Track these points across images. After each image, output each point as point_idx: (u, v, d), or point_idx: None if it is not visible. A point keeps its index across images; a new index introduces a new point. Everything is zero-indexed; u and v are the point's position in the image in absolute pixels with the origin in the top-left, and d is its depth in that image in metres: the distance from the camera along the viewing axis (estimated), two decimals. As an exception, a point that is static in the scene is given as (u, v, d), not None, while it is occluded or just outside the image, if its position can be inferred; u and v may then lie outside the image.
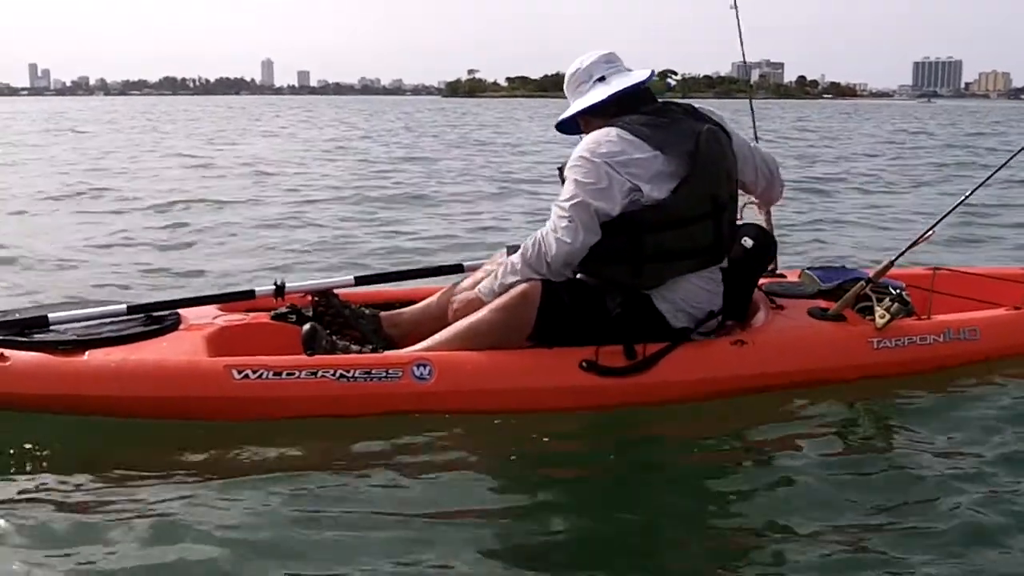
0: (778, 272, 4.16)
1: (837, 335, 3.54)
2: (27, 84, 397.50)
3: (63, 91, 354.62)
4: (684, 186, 3.27)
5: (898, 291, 3.60)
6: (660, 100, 3.47)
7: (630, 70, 3.50)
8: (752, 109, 4.45)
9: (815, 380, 3.46)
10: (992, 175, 3.77)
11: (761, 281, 3.86)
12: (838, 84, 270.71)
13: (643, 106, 3.40)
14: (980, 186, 3.74)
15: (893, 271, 4.03)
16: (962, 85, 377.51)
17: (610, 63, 3.50)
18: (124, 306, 3.53)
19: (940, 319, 3.67)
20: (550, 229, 3.29)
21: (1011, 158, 3.76)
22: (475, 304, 3.45)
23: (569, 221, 3.24)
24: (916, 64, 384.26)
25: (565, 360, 3.29)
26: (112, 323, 3.45)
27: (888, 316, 3.48)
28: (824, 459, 3.04)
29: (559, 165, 3.44)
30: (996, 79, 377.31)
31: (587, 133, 3.42)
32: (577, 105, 3.48)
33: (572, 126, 3.59)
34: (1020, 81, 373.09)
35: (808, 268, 4.03)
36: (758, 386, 3.40)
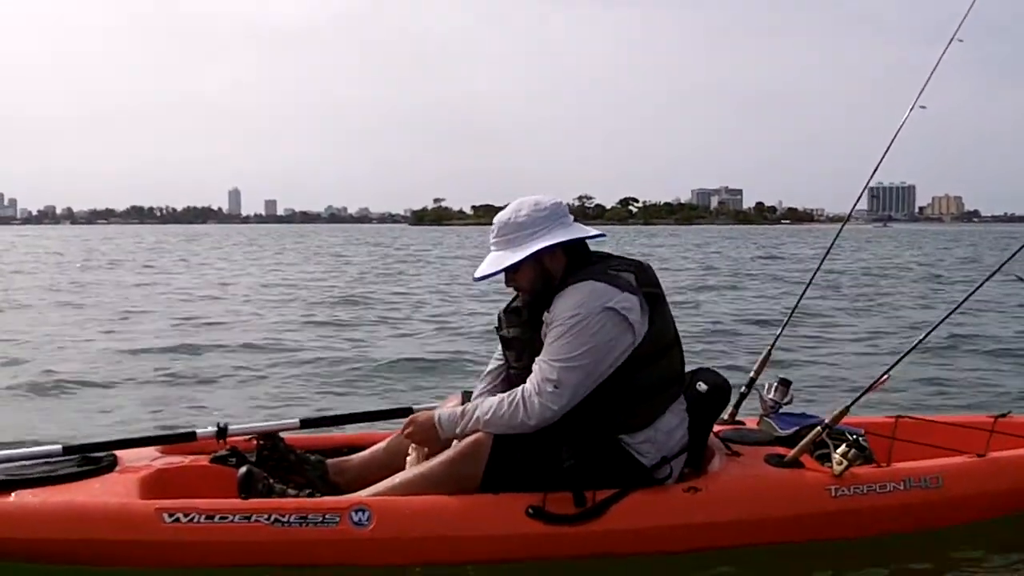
0: (736, 420, 4.09)
1: (793, 482, 3.43)
2: None
3: (29, 219, 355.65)
4: (656, 315, 3.28)
5: (855, 436, 3.51)
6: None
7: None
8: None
9: (771, 528, 3.34)
10: (948, 315, 3.73)
11: (718, 428, 3.78)
12: (796, 210, 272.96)
13: (588, 256, 3.41)
14: (935, 328, 3.69)
15: (855, 418, 3.97)
16: (916, 209, 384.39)
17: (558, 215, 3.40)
18: (59, 447, 3.44)
19: (900, 466, 3.57)
20: (533, 391, 3.17)
21: (969, 296, 3.73)
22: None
23: (556, 387, 3.15)
24: (872, 189, 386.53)
25: (512, 506, 3.18)
26: (45, 463, 3.34)
27: (845, 463, 3.39)
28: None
29: (501, 315, 3.44)
30: (948, 203, 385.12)
31: (517, 279, 3.37)
32: (549, 238, 3.30)
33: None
34: (971, 204, 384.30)
35: (766, 415, 3.95)
36: (712, 534, 3.28)
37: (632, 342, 3.23)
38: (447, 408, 3.45)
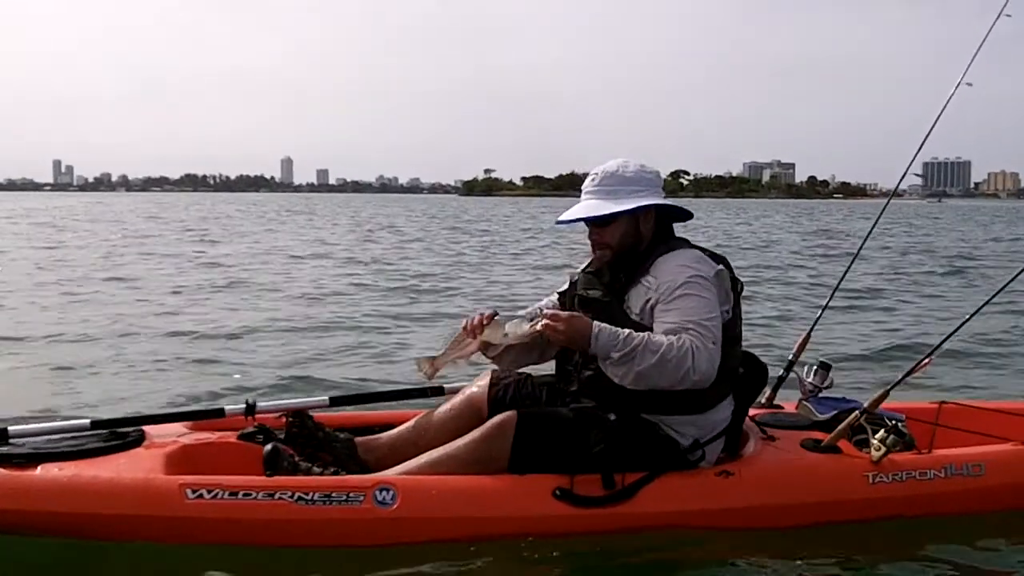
0: (774, 404, 3.99)
1: (830, 468, 3.34)
2: (51, 180, 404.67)
3: (85, 187, 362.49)
4: (736, 307, 3.27)
5: (894, 422, 3.41)
6: None
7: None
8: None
9: (806, 515, 3.25)
10: (992, 298, 3.60)
11: (755, 412, 3.70)
12: (848, 184, 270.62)
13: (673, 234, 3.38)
14: (979, 310, 3.56)
15: (897, 404, 3.86)
16: (971, 185, 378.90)
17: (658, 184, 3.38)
18: (88, 421, 3.44)
19: (942, 453, 3.46)
20: (702, 346, 3.01)
21: (1011, 280, 3.60)
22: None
23: (714, 343, 3.05)
24: (926, 164, 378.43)
25: (539, 488, 3.12)
26: (73, 438, 3.34)
27: (884, 448, 3.29)
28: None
29: (577, 275, 3.40)
30: (1005, 179, 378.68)
31: (605, 234, 3.28)
32: (654, 198, 3.28)
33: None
34: None
35: (805, 399, 3.85)
36: (744, 520, 3.20)
37: (726, 317, 3.20)
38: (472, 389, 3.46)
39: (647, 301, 3.18)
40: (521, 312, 3.31)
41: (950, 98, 4.00)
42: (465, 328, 3.27)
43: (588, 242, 3.33)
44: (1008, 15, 3.91)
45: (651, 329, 3.11)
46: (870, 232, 4.29)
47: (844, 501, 3.28)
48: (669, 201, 3.35)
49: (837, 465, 3.35)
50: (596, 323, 3.07)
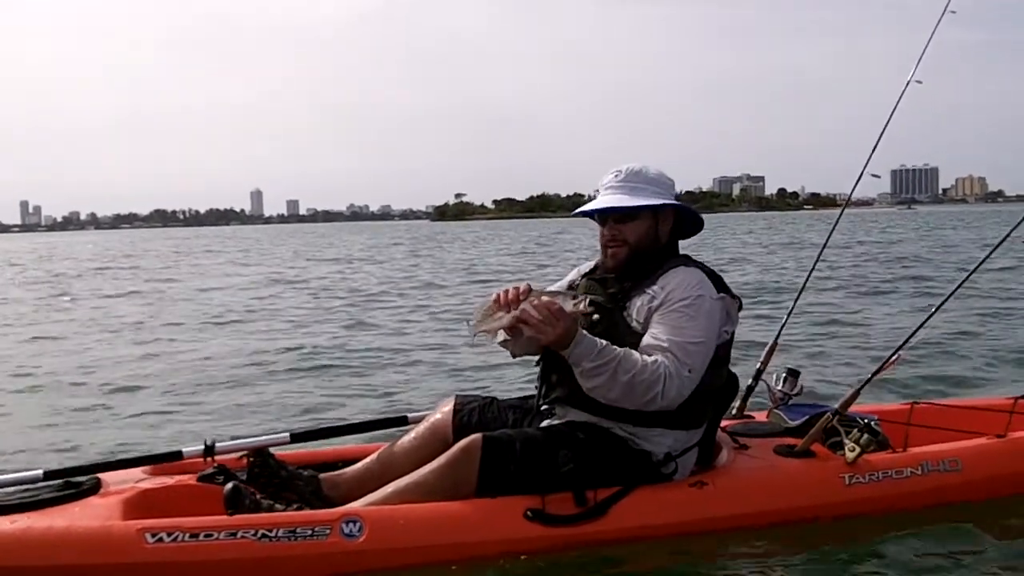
0: (745, 414, 3.94)
1: (805, 472, 3.29)
2: (18, 221, 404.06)
3: (54, 227, 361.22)
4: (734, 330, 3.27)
5: (867, 421, 3.36)
6: None
7: None
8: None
9: (784, 521, 3.19)
10: (953, 292, 3.58)
11: (726, 423, 3.65)
12: (818, 195, 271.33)
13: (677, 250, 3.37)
14: (940, 306, 3.54)
15: (870, 406, 3.84)
16: (940, 191, 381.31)
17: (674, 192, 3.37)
18: (40, 471, 3.32)
19: (917, 451, 3.43)
20: (675, 372, 2.99)
21: (972, 272, 3.59)
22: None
23: (690, 371, 3.02)
24: (894, 172, 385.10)
25: (509, 510, 3.04)
26: (25, 490, 3.22)
27: (858, 449, 3.24)
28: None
29: (580, 278, 3.34)
30: (972, 184, 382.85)
31: (626, 230, 3.23)
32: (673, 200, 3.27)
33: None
34: (996, 185, 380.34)
35: (775, 407, 3.80)
36: (721, 530, 3.13)
37: (725, 338, 3.19)
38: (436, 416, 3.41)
39: (649, 308, 3.13)
40: (553, 287, 3.22)
41: (901, 95, 4.02)
42: (497, 300, 3.07)
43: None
44: (952, 11, 3.93)
45: None
46: (828, 239, 4.28)
47: (821, 504, 3.23)
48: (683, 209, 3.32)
49: (812, 469, 3.30)
50: (580, 330, 3.00)
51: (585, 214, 3.33)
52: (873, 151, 4.08)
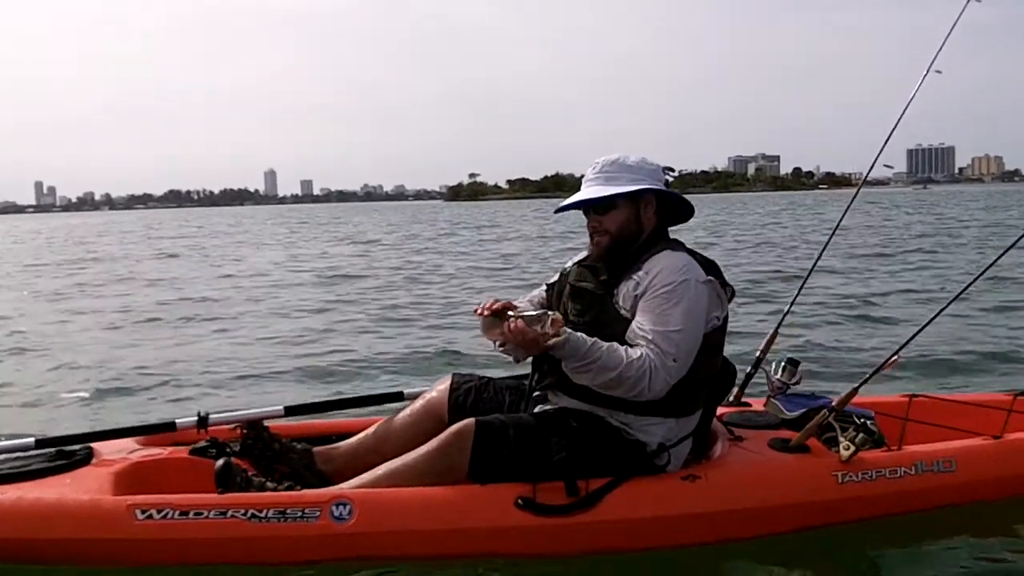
0: (742, 401, 3.92)
1: (798, 469, 3.27)
2: (33, 201, 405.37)
3: (69, 207, 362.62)
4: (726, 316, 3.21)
5: (863, 420, 3.34)
6: None
7: None
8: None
9: (776, 517, 3.18)
10: (965, 289, 3.53)
11: (722, 411, 3.62)
12: (833, 174, 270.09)
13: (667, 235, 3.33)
14: (952, 302, 3.49)
15: (867, 398, 3.80)
16: (956, 170, 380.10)
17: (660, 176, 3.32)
18: (32, 439, 3.32)
19: (912, 450, 3.39)
20: (659, 365, 2.96)
21: (986, 269, 3.53)
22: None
23: (675, 360, 2.99)
24: (910, 151, 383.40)
25: (500, 497, 3.03)
26: (16, 458, 3.23)
27: (853, 448, 3.22)
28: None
29: (571, 266, 3.31)
30: (989, 163, 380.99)
31: (606, 220, 3.20)
32: (655, 185, 3.23)
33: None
34: (1012, 164, 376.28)
35: (773, 396, 3.77)
36: (712, 524, 3.12)
37: (715, 324, 3.14)
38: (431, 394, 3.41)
39: (635, 295, 3.10)
40: (522, 302, 3.26)
41: (919, 85, 3.92)
42: (476, 311, 3.10)
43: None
44: (978, 0, 3.83)
45: None
46: (839, 223, 4.21)
47: (813, 502, 3.21)
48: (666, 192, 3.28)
49: (805, 465, 3.27)
50: (565, 335, 2.96)
51: (568, 208, 3.28)
52: (887, 140, 3.99)
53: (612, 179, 3.21)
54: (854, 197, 4.36)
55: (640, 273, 3.12)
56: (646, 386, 2.96)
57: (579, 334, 3.00)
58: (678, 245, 3.24)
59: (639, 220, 3.22)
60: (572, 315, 3.20)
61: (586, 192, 3.22)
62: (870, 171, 4.04)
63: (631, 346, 3.01)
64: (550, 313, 2.96)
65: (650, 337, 2.99)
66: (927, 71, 3.92)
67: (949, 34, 3.91)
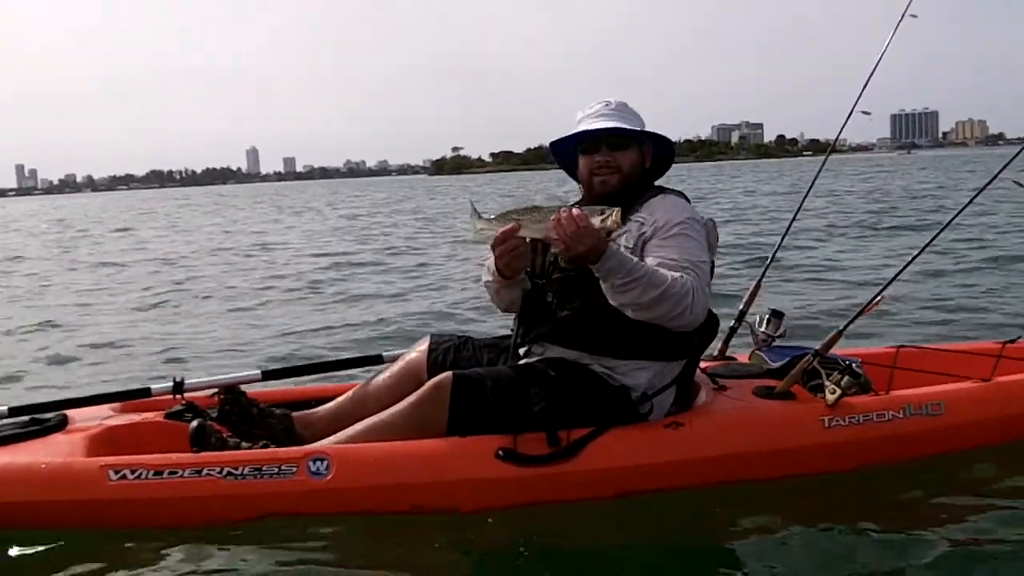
0: (727, 356, 3.87)
1: (783, 414, 3.22)
2: (14, 185, 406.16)
3: (51, 190, 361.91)
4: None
5: (849, 363, 3.29)
6: None
7: None
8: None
9: (760, 463, 3.12)
10: (938, 234, 3.49)
11: (706, 364, 3.58)
12: (817, 141, 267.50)
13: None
14: (923, 250, 3.44)
15: (855, 350, 3.76)
16: (940, 135, 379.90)
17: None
18: (5, 408, 3.27)
19: (899, 394, 3.35)
20: (698, 287, 2.90)
21: (957, 215, 3.49)
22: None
23: (708, 286, 2.98)
24: (894, 116, 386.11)
25: (480, 449, 2.98)
26: (-10, 426, 3.17)
27: (839, 391, 3.17)
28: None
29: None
30: (973, 127, 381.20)
31: (620, 158, 3.17)
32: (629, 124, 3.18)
33: (570, 154, 3.29)
34: (996, 128, 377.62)
35: (758, 349, 3.73)
36: (697, 470, 3.07)
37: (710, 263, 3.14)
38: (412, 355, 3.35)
39: (641, 235, 3.06)
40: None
41: (896, 29, 3.89)
42: (528, 210, 2.92)
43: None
44: None
45: None
46: (813, 183, 4.17)
47: (799, 447, 3.16)
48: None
49: (791, 410, 3.23)
50: (612, 246, 2.88)
51: (583, 136, 3.20)
52: (864, 87, 3.96)
53: (627, 119, 3.20)
54: (827, 157, 4.36)
55: (643, 215, 3.10)
56: (689, 304, 2.88)
57: (621, 251, 2.92)
58: (669, 190, 3.23)
59: (643, 165, 3.23)
60: (563, 262, 3.14)
61: (610, 122, 3.16)
62: (848, 119, 3.98)
63: None
64: (614, 209, 2.82)
65: (685, 264, 2.95)
66: (902, 15, 3.88)
67: (921, -24, 3.87)
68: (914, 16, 3.86)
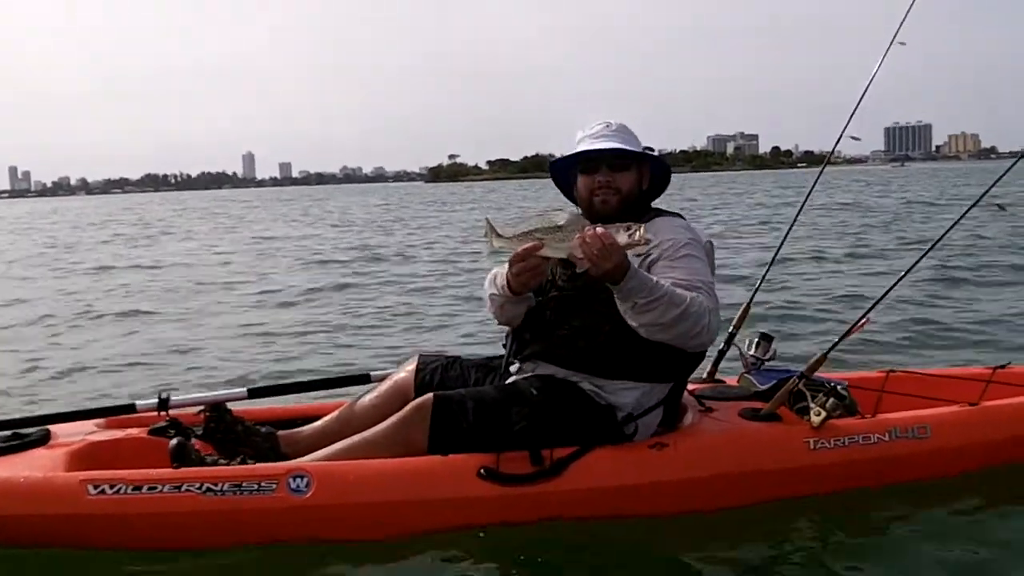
0: (715, 378, 3.86)
1: (769, 436, 3.21)
2: (7, 187, 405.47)
3: (44, 192, 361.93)
4: None
5: (834, 385, 3.28)
6: None
7: None
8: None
9: (745, 485, 3.11)
10: (925, 253, 3.48)
11: (694, 387, 3.57)
12: (812, 152, 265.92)
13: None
14: (913, 267, 3.44)
15: (843, 374, 3.75)
16: (933, 148, 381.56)
17: None
18: (-12, 423, 3.26)
19: (885, 417, 3.33)
20: (712, 307, 2.90)
21: (943, 235, 3.48)
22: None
23: (717, 307, 2.95)
24: (887, 129, 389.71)
25: (462, 468, 2.96)
26: (-30, 440, 3.16)
27: (824, 413, 3.16)
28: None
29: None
30: (965, 140, 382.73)
31: (620, 179, 3.16)
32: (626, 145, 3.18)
33: (565, 174, 3.30)
34: (988, 141, 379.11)
35: (747, 372, 3.71)
36: (681, 492, 3.05)
37: None
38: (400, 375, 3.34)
39: (646, 257, 3.02)
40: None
41: (884, 57, 3.91)
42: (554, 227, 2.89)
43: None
44: None
45: None
46: (805, 200, 4.17)
47: (784, 469, 3.15)
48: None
49: (776, 432, 3.22)
50: (634, 266, 2.85)
51: (584, 155, 3.19)
52: (852, 114, 3.97)
53: (627, 141, 3.20)
54: (820, 172, 4.35)
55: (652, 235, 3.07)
56: (707, 324, 2.86)
57: (641, 271, 2.89)
58: (666, 212, 3.25)
59: (640, 186, 3.23)
60: (561, 280, 3.16)
61: (610, 143, 3.16)
62: (837, 144, 4.01)
63: None
64: (640, 225, 2.79)
65: (698, 284, 2.94)
66: (891, 42, 3.90)
67: (912, 6, 3.89)
68: (902, 43, 3.87)
